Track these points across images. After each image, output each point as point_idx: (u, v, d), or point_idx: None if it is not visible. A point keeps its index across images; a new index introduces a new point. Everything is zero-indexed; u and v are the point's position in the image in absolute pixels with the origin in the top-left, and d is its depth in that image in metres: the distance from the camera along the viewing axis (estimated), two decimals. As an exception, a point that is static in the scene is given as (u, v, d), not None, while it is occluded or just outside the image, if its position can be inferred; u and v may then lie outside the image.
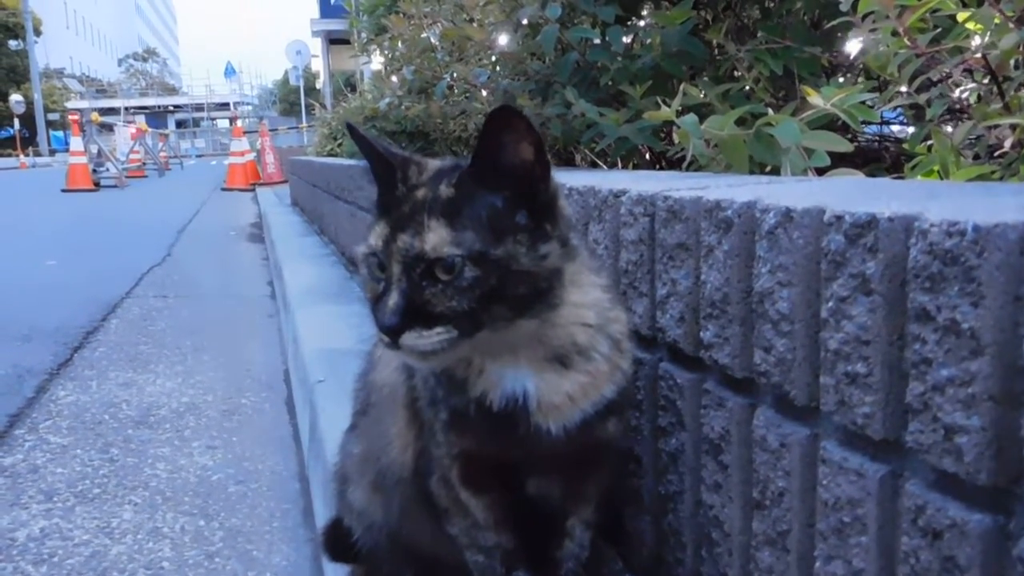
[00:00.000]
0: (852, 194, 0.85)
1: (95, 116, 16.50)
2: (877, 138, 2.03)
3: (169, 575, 1.67)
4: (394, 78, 3.26)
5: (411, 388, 1.00)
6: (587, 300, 0.89)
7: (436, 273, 0.79)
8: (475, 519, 0.99)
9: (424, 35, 2.52)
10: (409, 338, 0.80)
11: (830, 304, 0.74)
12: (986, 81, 1.21)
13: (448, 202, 0.82)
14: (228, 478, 2.14)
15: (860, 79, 1.72)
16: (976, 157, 1.22)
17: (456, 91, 2.76)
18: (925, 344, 0.63)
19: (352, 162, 4.54)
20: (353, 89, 7.47)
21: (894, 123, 2.15)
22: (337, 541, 1.24)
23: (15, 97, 41.93)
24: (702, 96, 1.55)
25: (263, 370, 3.10)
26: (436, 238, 0.79)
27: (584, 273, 0.90)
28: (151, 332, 3.74)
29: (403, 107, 2.91)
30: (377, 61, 3.62)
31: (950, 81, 1.21)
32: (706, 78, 1.77)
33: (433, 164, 0.90)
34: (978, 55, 1.15)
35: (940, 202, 0.67)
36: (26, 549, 1.77)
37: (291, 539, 1.81)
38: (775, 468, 0.86)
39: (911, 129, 1.63)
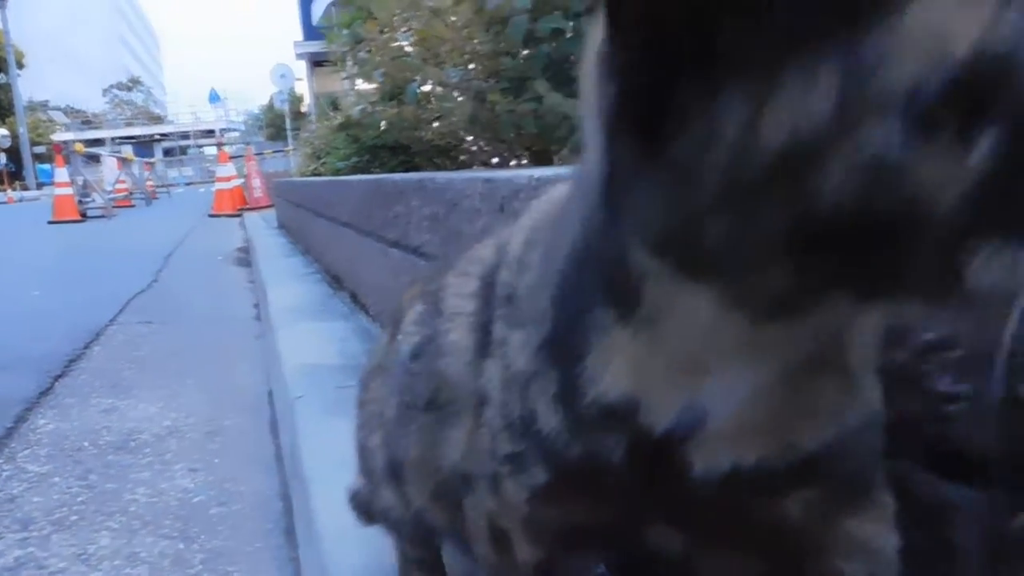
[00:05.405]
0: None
1: (79, 147, 16.48)
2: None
3: (146, 601, 1.61)
4: (367, 85, 3.23)
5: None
6: None
7: None
8: None
9: (396, 42, 2.48)
10: None
11: None
12: None
13: None
14: (210, 500, 2.07)
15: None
16: None
17: (433, 99, 2.73)
18: None
19: (332, 178, 4.50)
20: (337, 109, 7.46)
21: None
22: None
23: (0, 131, 41.90)
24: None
25: (247, 391, 3.04)
26: None
27: None
28: (135, 357, 3.67)
29: (375, 113, 2.87)
30: (351, 72, 3.58)
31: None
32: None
33: None
34: None
35: None
36: (-1, 581, 1.72)
37: (273, 559, 1.75)
38: None
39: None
